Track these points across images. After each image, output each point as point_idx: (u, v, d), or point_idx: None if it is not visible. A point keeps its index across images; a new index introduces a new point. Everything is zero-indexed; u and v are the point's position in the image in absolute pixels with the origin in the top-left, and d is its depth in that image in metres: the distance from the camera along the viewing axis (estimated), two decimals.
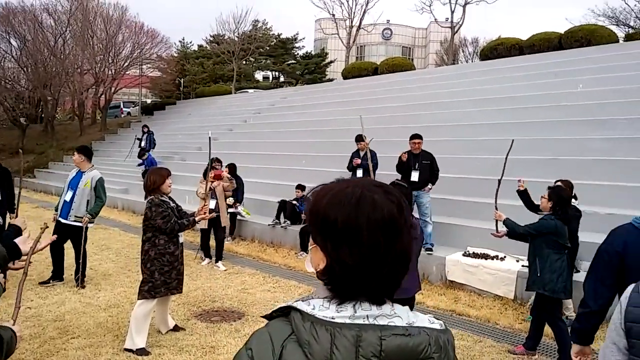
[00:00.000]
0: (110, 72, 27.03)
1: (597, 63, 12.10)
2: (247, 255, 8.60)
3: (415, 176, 7.22)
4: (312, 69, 39.75)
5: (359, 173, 8.02)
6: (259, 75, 46.75)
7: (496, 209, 4.98)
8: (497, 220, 4.92)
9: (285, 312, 1.01)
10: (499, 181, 5.22)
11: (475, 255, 6.94)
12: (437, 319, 1.03)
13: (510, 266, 6.43)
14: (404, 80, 16.87)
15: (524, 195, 5.87)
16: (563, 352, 4.28)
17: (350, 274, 0.97)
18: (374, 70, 19.76)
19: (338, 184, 1.04)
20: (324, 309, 0.97)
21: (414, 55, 56.45)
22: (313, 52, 44.09)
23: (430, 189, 7.35)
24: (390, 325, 0.95)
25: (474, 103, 12.06)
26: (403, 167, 7.40)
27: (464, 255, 7.00)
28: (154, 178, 4.50)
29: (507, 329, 5.37)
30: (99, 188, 6.48)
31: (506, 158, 5.22)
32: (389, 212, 0.98)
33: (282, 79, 42.22)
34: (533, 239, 4.57)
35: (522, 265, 6.45)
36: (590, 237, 6.13)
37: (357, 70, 20.50)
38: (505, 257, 6.83)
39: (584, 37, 14.56)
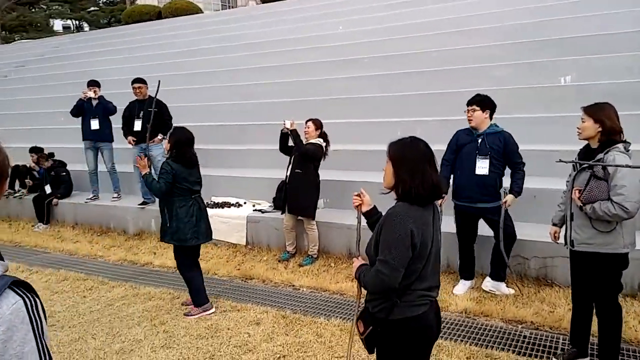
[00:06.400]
0: None
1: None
2: None
3: (138, 125, 6.52)
4: (119, 17, 35.33)
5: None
6: (58, 25, 40.58)
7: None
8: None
9: None
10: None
11: (214, 205, 6.66)
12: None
13: (241, 212, 6.30)
14: (185, 25, 15.73)
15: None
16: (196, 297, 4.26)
17: None
18: (158, 15, 18.12)
19: None
20: None
21: None
22: None
23: (162, 139, 6.73)
24: None
25: (243, 47, 11.66)
26: (126, 116, 6.64)
27: None
28: None
29: (224, 279, 5.22)
30: None
31: (155, 97, 5.03)
32: None
33: (87, 28, 37.07)
34: None
35: (254, 210, 6.38)
36: (337, 175, 6.14)
37: (137, 15, 18.56)
38: (245, 203, 6.71)
39: None
